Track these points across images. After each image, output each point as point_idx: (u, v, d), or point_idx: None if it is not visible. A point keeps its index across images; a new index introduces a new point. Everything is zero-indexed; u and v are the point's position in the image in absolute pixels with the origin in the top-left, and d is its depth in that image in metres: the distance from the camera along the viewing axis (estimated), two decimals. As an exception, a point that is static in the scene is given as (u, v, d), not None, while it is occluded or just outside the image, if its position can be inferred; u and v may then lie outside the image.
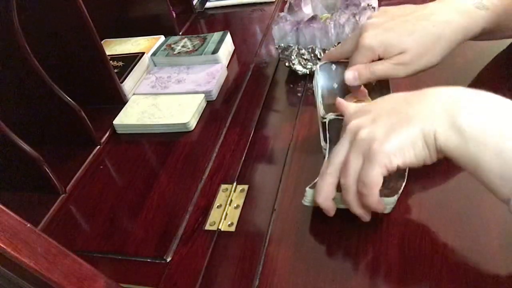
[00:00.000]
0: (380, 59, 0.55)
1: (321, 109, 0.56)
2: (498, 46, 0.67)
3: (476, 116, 0.38)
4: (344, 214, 0.47)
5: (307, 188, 0.48)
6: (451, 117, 0.38)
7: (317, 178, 0.47)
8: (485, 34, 0.56)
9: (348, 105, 0.50)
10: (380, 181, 0.41)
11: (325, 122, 0.53)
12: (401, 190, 0.46)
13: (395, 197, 0.45)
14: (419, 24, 0.53)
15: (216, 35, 0.85)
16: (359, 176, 0.42)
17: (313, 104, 0.61)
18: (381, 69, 0.54)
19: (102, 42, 0.73)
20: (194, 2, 1.05)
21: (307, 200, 0.49)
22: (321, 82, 0.60)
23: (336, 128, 0.52)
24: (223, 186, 0.57)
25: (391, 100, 0.45)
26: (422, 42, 0.52)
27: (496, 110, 0.38)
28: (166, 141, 0.68)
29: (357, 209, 0.45)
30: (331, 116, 0.53)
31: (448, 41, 0.53)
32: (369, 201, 0.43)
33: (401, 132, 0.40)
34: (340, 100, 0.51)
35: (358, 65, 0.55)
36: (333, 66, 0.60)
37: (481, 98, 0.40)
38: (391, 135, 0.40)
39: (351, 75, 0.55)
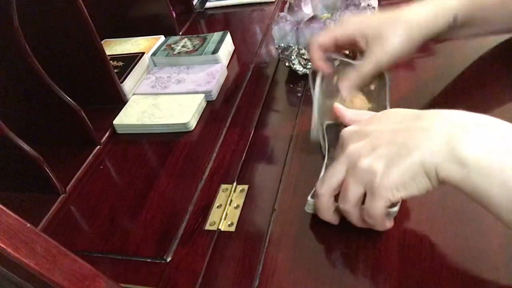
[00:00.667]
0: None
1: (316, 116, 0.57)
2: (496, 40, 0.67)
3: (479, 147, 0.36)
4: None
5: (309, 198, 0.48)
6: (453, 149, 0.37)
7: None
8: (463, 26, 0.57)
9: (345, 112, 0.50)
10: (385, 212, 0.42)
11: (323, 128, 0.54)
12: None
13: (397, 207, 0.45)
14: (389, 16, 0.56)
15: (216, 35, 0.85)
16: (365, 208, 0.42)
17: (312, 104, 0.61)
18: (368, 68, 0.56)
19: (102, 42, 0.73)
20: (194, 2, 1.05)
21: (309, 208, 0.49)
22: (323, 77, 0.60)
23: (335, 132, 0.52)
24: (223, 186, 0.57)
25: (390, 121, 0.43)
26: (397, 32, 0.54)
27: (500, 139, 0.37)
28: (166, 141, 0.68)
29: (360, 225, 0.45)
30: (327, 122, 0.54)
31: (420, 28, 0.55)
32: (377, 228, 0.44)
33: (401, 166, 0.39)
34: (336, 106, 0.51)
35: (347, 76, 0.57)
36: (336, 62, 0.60)
37: (484, 126, 0.38)
38: (392, 169, 0.39)
39: (345, 86, 0.57)
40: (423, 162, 0.38)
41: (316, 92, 0.58)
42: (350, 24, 0.57)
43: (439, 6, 0.56)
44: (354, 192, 0.42)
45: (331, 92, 0.59)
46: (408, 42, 0.55)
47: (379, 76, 0.57)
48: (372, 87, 0.59)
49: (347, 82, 0.56)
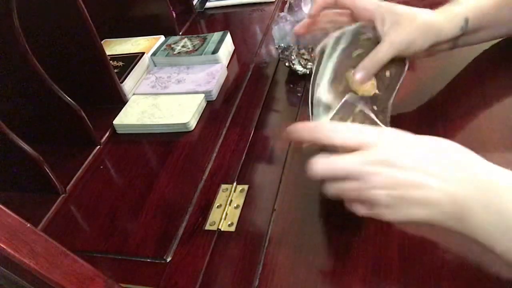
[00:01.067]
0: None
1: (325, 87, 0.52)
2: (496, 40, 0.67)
3: (486, 219, 0.37)
4: (344, 214, 0.47)
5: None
6: (462, 218, 0.38)
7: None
8: (475, 31, 0.58)
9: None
10: None
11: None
12: None
13: None
14: (407, 10, 0.55)
15: (216, 35, 0.85)
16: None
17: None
18: (383, 51, 0.54)
19: (102, 42, 0.73)
20: (194, 2, 1.05)
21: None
22: (345, 45, 0.55)
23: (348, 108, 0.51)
24: (223, 186, 0.57)
25: (420, 159, 0.40)
26: (414, 26, 0.54)
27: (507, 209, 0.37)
28: (166, 141, 0.68)
29: None
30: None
31: (435, 29, 0.55)
32: None
33: (410, 214, 0.40)
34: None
35: (363, 64, 0.54)
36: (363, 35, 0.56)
37: (493, 189, 0.38)
38: (401, 211, 0.40)
39: (360, 76, 0.54)
40: (431, 219, 0.40)
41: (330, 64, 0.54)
42: (370, 3, 0.56)
43: (449, 12, 0.56)
44: (357, 207, 0.43)
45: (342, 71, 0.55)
46: (423, 39, 0.55)
47: (397, 64, 0.56)
48: (388, 74, 0.56)
49: (363, 71, 0.54)
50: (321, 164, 0.42)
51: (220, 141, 0.64)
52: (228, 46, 0.85)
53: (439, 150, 0.41)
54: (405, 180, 0.39)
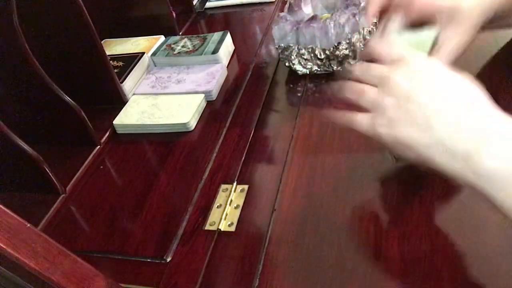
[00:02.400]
0: None
1: None
2: (498, 45, 0.67)
3: (498, 161, 0.36)
4: (344, 213, 0.47)
5: None
6: (472, 164, 0.38)
7: None
8: (503, 16, 0.54)
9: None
10: None
11: None
12: None
13: None
14: None
15: (216, 35, 0.85)
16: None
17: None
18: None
19: (102, 42, 0.73)
20: (194, 2, 1.05)
21: None
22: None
23: None
24: (223, 186, 0.57)
25: (431, 89, 0.41)
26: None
27: None
28: (166, 141, 0.68)
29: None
30: None
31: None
32: None
33: (408, 134, 0.41)
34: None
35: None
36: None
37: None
38: (400, 132, 0.41)
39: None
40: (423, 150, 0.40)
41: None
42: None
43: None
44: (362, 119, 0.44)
45: None
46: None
47: None
48: None
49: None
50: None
51: (220, 141, 0.64)
52: (228, 46, 0.85)
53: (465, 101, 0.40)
54: (413, 101, 0.41)
